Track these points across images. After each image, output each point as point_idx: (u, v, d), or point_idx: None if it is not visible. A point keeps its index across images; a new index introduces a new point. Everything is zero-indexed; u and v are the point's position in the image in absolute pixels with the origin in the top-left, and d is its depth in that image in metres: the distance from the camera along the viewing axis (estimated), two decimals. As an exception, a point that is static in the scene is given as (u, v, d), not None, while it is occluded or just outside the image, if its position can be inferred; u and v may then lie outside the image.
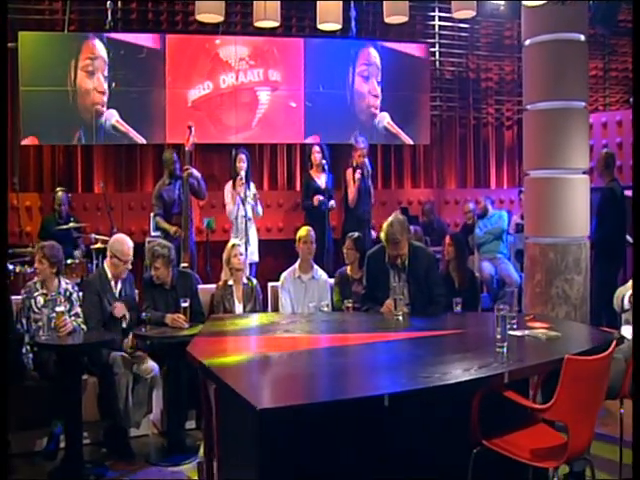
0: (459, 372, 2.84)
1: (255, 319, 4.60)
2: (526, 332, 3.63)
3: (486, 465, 2.88)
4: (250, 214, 6.93)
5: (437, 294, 4.56)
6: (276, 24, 5.18)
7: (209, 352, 3.29)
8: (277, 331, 3.93)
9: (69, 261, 6.77)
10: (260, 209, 7.15)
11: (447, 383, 2.68)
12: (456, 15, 5.86)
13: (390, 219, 4.53)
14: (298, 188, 8.64)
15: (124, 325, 4.79)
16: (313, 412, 2.47)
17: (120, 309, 4.77)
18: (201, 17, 4.51)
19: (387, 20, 6.22)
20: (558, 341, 3.48)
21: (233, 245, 5.47)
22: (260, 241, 7.30)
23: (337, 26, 5.52)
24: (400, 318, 4.18)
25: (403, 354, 3.40)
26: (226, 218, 7.42)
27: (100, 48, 7.89)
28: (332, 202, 7.26)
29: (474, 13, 5.56)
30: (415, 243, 4.70)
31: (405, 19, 6.05)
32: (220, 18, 4.41)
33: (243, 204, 6.83)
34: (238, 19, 8.42)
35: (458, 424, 2.92)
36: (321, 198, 7.10)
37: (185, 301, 4.69)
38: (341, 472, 2.82)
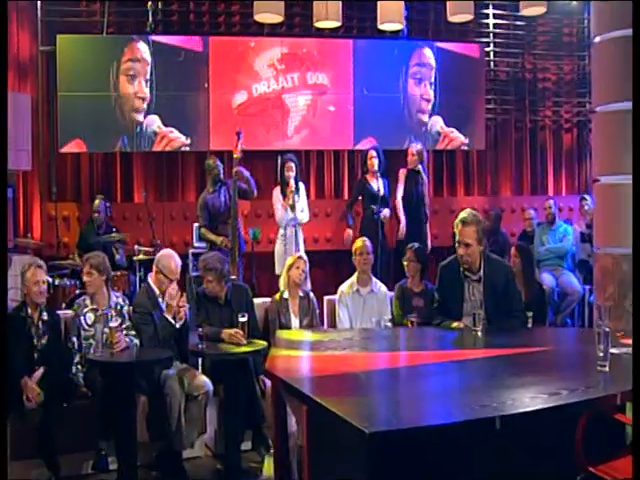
0: (565, 393, 2.75)
1: (324, 335, 4.59)
2: (623, 350, 3.51)
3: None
4: (301, 218, 7.01)
5: (516, 309, 4.48)
6: (337, 24, 5.18)
7: (293, 371, 3.28)
8: (353, 347, 3.92)
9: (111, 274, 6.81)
10: (306, 214, 7.16)
11: (556, 404, 2.59)
12: (525, 12, 5.80)
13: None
14: (346, 196, 8.60)
15: (177, 325, 4.72)
16: (422, 436, 2.43)
17: (173, 295, 4.72)
18: (260, 17, 4.51)
19: (450, 19, 6.19)
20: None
21: (299, 257, 5.45)
22: (307, 253, 7.24)
23: (399, 26, 5.51)
24: (479, 334, 4.10)
25: (496, 373, 3.32)
26: (272, 228, 7.40)
27: (144, 51, 7.97)
28: (386, 210, 7.21)
29: (544, 10, 5.50)
30: (491, 255, 4.63)
31: (470, 17, 6.03)
32: (280, 18, 4.40)
33: (292, 211, 6.85)
34: (284, 20, 8.42)
35: (561, 449, 2.83)
36: (350, 235, 7.10)
37: (243, 315, 4.65)
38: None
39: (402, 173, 7.52)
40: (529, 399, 2.76)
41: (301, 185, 7.19)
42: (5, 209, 5.12)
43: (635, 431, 2.81)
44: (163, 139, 7.97)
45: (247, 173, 6.82)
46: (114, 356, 4.37)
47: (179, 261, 4.90)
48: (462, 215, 4.48)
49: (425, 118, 8.64)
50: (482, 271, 4.47)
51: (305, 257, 5.54)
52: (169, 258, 4.87)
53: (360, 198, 7.53)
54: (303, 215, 7.12)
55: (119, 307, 4.80)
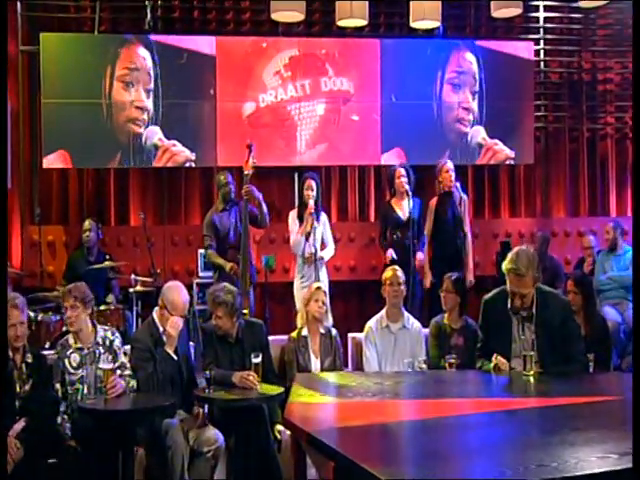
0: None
1: (350, 378, 4.62)
2: None
3: None
4: (322, 253, 7.03)
5: (576, 351, 4.49)
6: (364, 23, 5.23)
7: (315, 421, 3.35)
8: (383, 394, 3.95)
9: (102, 307, 6.89)
10: (330, 250, 7.19)
11: (630, 467, 2.59)
12: (583, 4, 5.79)
13: (516, 249, 4.52)
14: (372, 218, 8.68)
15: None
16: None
17: (176, 324, 4.79)
18: (277, 16, 4.60)
19: (495, 14, 6.23)
20: None
21: (318, 288, 5.49)
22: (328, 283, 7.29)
23: (436, 23, 5.56)
24: (531, 379, 4.11)
25: (554, 426, 3.30)
26: (287, 255, 7.44)
27: (143, 53, 8.11)
28: (420, 256, 7.15)
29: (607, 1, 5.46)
30: (544, 287, 4.64)
31: (518, 11, 6.06)
32: (301, 17, 4.50)
33: (307, 239, 6.88)
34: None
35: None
36: (393, 255, 7.07)
37: (257, 356, 4.71)
38: None
39: (432, 204, 7.48)
40: (597, 459, 2.74)
41: (323, 214, 7.24)
42: (5, 209, 5.22)
43: (635, 431, 2.84)
44: (165, 153, 8.09)
45: (259, 195, 6.88)
46: (108, 403, 4.42)
47: (187, 296, 4.97)
48: (513, 263, 4.43)
49: (464, 128, 8.69)
50: (534, 306, 4.49)
51: (325, 288, 5.59)
52: (175, 291, 4.93)
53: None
54: (325, 251, 7.15)
55: (108, 342, 4.84)
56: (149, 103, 8.07)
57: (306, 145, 8.37)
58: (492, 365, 4.44)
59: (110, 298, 7.36)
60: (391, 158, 8.41)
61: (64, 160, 7.96)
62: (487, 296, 4.75)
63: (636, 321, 3.58)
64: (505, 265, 4.47)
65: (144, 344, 4.84)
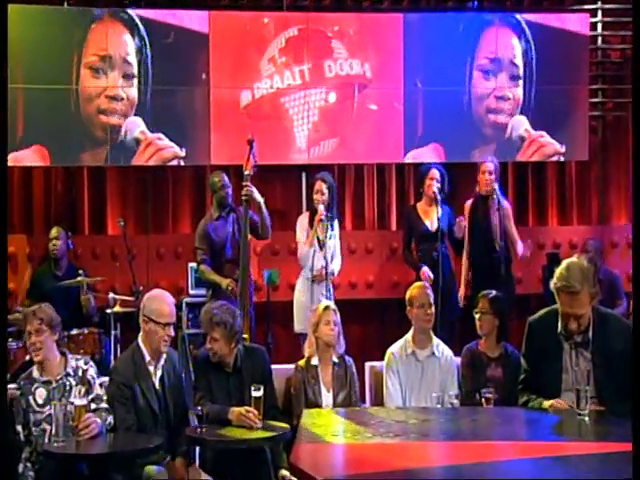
0: None
1: (368, 415, 4.61)
2: None
3: None
4: (332, 264, 7.02)
5: (641, 385, 4.45)
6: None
7: (327, 466, 3.34)
8: (408, 434, 3.93)
9: (74, 331, 6.90)
10: (338, 263, 7.21)
11: None
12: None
13: (566, 262, 4.47)
14: (394, 226, 8.67)
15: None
16: None
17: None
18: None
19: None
20: None
21: (326, 307, 5.49)
22: (341, 302, 7.25)
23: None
24: (587, 419, 4.08)
25: (614, 477, 3.25)
26: (294, 269, 7.44)
27: (119, 31, 8.05)
28: None
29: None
30: (603, 309, 4.61)
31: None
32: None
33: (321, 249, 6.89)
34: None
35: None
36: (429, 274, 7.08)
37: (258, 389, 4.68)
38: None
39: (467, 207, 7.51)
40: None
41: (335, 222, 7.26)
42: (5, 208, 5.31)
43: (635, 433, 2.89)
44: (148, 149, 8.07)
45: (261, 198, 6.86)
46: (80, 446, 4.39)
47: (172, 299, 4.99)
48: (564, 280, 4.37)
49: (503, 118, 8.65)
50: (591, 330, 4.46)
51: (335, 307, 5.57)
52: (158, 298, 4.97)
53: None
54: (333, 265, 7.16)
55: (81, 372, 4.82)
56: (128, 91, 8.05)
57: (314, 140, 8.36)
58: (547, 404, 4.40)
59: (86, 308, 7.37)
60: (418, 154, 8.40)
61: (42, 157, 7.96)
62: (532, 318, 4.72)
63: (636, 321, 3.52)
64: (554, 282, 4.43)
65: (125, 377, 4.82)
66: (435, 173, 7.39)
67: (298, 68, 8.31)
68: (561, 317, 4.47)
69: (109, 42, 8.05)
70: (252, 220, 6.84)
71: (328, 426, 4.28)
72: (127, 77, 8.08)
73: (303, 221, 7.25)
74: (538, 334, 4.60)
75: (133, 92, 8.08)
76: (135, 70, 8.07)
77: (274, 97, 8.28)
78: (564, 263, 4.47)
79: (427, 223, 7.35)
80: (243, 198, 6.72)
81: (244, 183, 6.72)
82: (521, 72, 8.64)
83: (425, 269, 7.15)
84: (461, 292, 7.31)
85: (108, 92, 8.04)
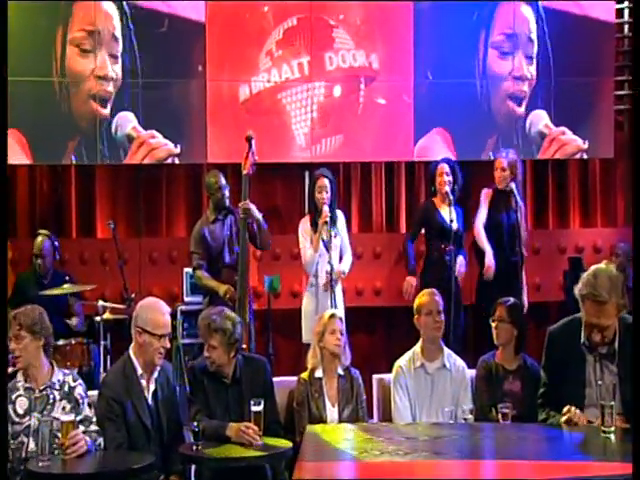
0: None
1: (376, 432, 4.59)
2: None
3: None
4: (337, 266, 7.03)
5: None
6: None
7: None
8: (418, 452, 3.93)
9: (61, 342, 6.88)
10: (346, 262, 7.23)
11: None
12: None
13: (593, 268, 4.47)
14: (403, 229, 8.66)
15: None
16: None
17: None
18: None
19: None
20: None
21: (332, 315, 5.50)
22: (346, 310, 7.25)
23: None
24: (612, 437, 4.07)
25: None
26: (296, 275, 7.44)
27: (107, 9, 8.00)
28: (461, 260, 7.31)
29: None
30: (630, 318, 4.55)
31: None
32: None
33: (327, 251, 6.91)
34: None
35: None
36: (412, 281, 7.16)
37: (257, 403, 4.68)
38: None
39: (486, 194, 7.53)
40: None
41: (340, 215, 7.29)
42: (5, 208, 5.39)
43: (635, 433, 2.94)
44: (141, 147, 8.07)
45: (259, 214, 6.89)
46: (67, 465, 4.36)
47: (167, 308, 4.98)
48: (591, 287, 4.37)
49: (519, 110, 8.64)
50: (617, 342, 4.45)
51: (342, 315, 5.56)
52: (152, 307, 4.96)
53: (423, 231, 7.60)
54: (343, 264, 7.21)
55: (67, 388, 4.78)
56: (117, 70, 8.02)
57: (317, 137, 8.36)
58: (563, 419, 4.39)
59: (74, 320, 7.34)
60: (428, 150, 8.41)
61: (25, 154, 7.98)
62: (553, 327, 4.72)
63: (636, 322, 3.55)
64: (580, 288, 4.43)
65: (115, 392, 4.80)
66: (445, 167, 7.45)
67: (297, 61, 8.31)
68: (585, 327, 4.46)
69: (97, 17, 8.00)
70: (250, 231, 6.86)
71: (333, 443, 4.27)
72: (113, 57, 8.04)
73: (305, 225, 7.25)
74: (559, 345, 4.60)
75: (117, 72, 8.03)
76: (120, 48, 8.03)
77: (273, 92, 8.28)
78: (592, 269, 4.47)
79: (445, 215, 7.34)
80: (241, 216, 6.75)
81: (241, 204, 6.75)
82: (533, 53, 8.59)
83: (410, 279, 7.42)
84: None
85: (97, 72, 8.01)
